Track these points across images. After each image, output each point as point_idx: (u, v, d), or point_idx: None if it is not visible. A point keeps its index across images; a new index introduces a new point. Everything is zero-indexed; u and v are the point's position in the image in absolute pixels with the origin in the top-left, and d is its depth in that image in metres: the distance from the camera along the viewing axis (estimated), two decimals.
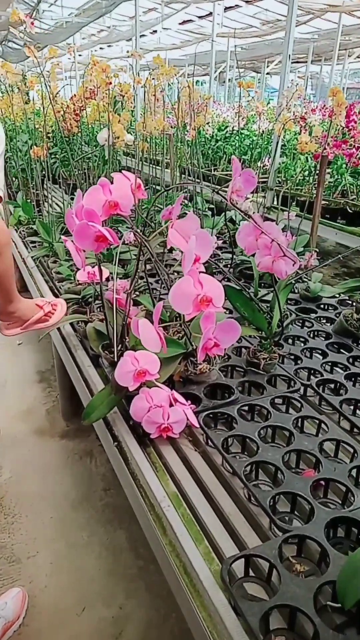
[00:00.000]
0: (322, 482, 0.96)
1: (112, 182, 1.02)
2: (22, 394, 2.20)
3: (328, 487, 0.96)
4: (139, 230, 1.33)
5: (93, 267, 1.33)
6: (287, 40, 3.35)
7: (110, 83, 1.69)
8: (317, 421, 1.12)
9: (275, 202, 3.63)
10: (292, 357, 1.41)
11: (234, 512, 0.91)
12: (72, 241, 0.95)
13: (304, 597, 0.71)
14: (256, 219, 0.96)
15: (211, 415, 1.14)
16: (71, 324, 1.59)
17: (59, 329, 1.62)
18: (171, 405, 1.06)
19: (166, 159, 3.20)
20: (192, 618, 0.76)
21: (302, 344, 1.49)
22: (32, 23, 1.62)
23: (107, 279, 1.51)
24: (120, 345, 1.27)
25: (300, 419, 1.13)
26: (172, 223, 0.94)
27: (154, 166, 3.12)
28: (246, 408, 1.17)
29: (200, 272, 0.88)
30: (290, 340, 1.52)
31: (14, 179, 3.44)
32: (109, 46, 13.96)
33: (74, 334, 1.56)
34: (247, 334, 1.37)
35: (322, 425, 1.11)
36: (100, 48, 14.42)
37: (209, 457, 1.04)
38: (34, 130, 3.14)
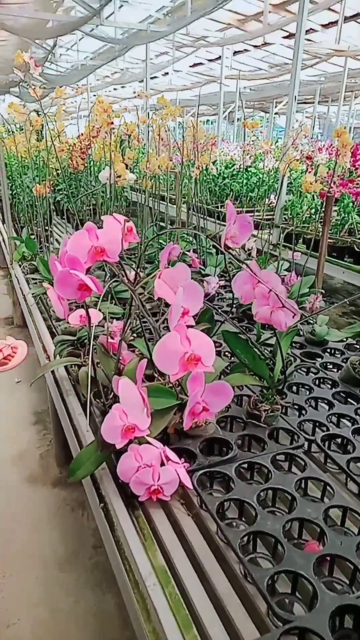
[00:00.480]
0: (327, 558, 0.86)
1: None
2: (16, 436, 2.11)
3: (334, 563, 0.86)
4: (137, 270, 1.28)
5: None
6: (292, 83, 3.40)
7: (112, 123, 1.68)
8: (322, 483, 1.02)
9: (281, 240, 3.61)
10: (296, 407, 1.32)
11: (227, 592, 0.81)
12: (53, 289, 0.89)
13: None
14: (252, 267, 0.90)
15: (207, 474, 1.05)
16: (65, 367, 1.53)
17: (52, 371, 1.55)
18: (162, 464, 0.97)
19: (172, 195, 3.20)
20: None
21: (307, 393, 1.41)
22: (37, 65, 1.62)
23: (104, 320, 1.45)
24: (112, 393, 1.20)
25: (303, 481, 1.04)
26: (159, 272, 0.88)
27: (160, 202, 3.13)
28: (245, 466, 1.08)
29: (188, 326, 0.81)
30: (294, 388, 1.44)
31: (20, 215, 3.46)
32: (122, 87, 14.47)
33: (67, 378, 1.49)
34: (247, 383, 1.29)
35: (328, 488, 1.01)
36: (114, 89, 14.95)
37: (202, 523, 0.95)
38: (42, 167, 3.18)
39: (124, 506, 0.97)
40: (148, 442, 1.00)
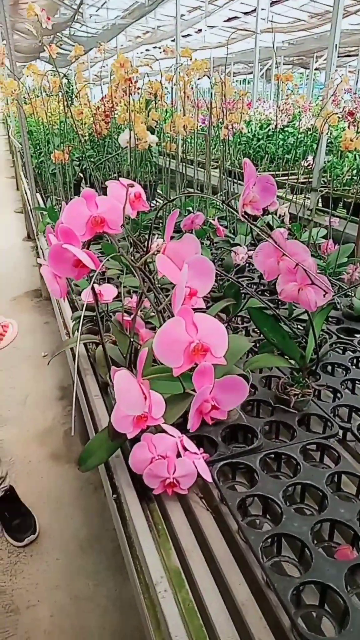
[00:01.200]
0: None
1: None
2: (42, 413, 2.09)
3: None
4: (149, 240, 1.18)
5: (100, 285, 1.19)
6: (333, 31, 3.11)
7: (130, 80, 1.55)
8: (358, 479, 0.92)
9: (320, 204, 3.39)
10: (331, 390, 1.21)
11: (247, 601, 0.73)
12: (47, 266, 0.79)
13: None
14: (277, 237, 0.78)
15: (229, 465, 0.97)
16: (84, 344, 1.46)
17: (71, 349, 1.49)
18: (179, 455, 0.89)
19: (203, 159, 3.03)
20: None
21: (343, 374, 1.29)
22: (48, 18, 1.50)
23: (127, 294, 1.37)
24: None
25: (336, 475, 0.94)
26: (164, 246, 0.77)
27: (190, 167, 2.97)
28: (272, 456, 0.99)
29: (197, 310, 0.70)
30: (329, 369, 1.32)
31: (48, 183, 3.38)
32: (154, 47, 13.94)
33: (86, 356, 1.42)
34: (276, 364, 1.18)
35: None
36: (147, 50, 14.44)
37: (222, 520, 0.87)
38: (68, 133, 3.06)
39: (137, 499, 0.90)
40: (163, 430, 0.92)
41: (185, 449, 0.90)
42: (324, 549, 0.81)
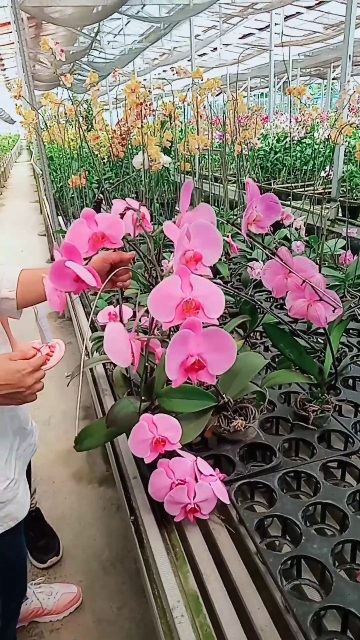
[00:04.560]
0: None
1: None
2: (65, 433, 2.11)
3: None
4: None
5: (115, 306, 1.20)
6: (346, 42, 3.11)
7: (142, 104, 1.58)
8: None
9: (340, 214, 3.35)
10: (352, 405, 1.18)
11: (267, 626, 0.72)
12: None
13: None
14: (282, 255, 0.78)
15: (247, 484, 0.95)
16: (103, 364, 1.47)
17: (91, 369, 1.50)
18: (197, 479, 0.88)
19: (220, 174, 3.05)
20: None
21: None
22: (62, 51, 1.55)
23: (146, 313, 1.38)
24: (147, 395, 1.12)
25: (358, 494, 0.91)
26: (179, 218, 0.77)
27: (205, 181, 2.99)
28: (291, 474, 0.97)
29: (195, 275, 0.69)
30: (350, 382, 1.29)
31: (69, 207, 3.46)
32: (171, 68, 14.22)
33: (104, 377, 1.44)
34: (294, 380, 1.16)
35: None
36: (164, 71, 14.73)
37: (241, 541, 0.85)
38: (87, 157, 3.14)
39: (154, 521, 0.90)
40: (178, 455, 0.91)
41: (200, 473, 0.90)
42: (345, 572, 0.79)
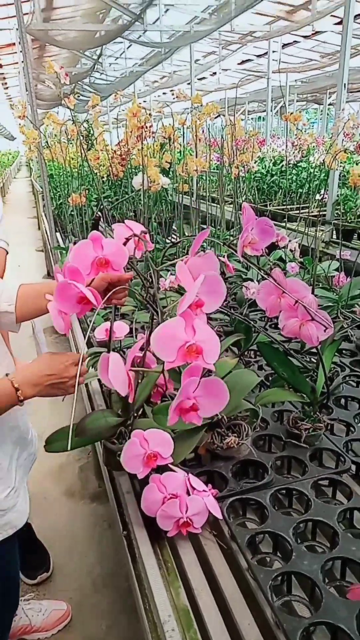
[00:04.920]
0: None
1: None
2: None
3: None
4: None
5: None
6: (341, 71, 3.21)
7: (143, 127, 1.63)
8: None
9: (334, 236, 3.42)
10: (344, 424, 1.20)
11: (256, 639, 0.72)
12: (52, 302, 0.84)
13: None
14: (276, 276, 0.81)
15: (240, 500, 0.96)
16: (99, 380, 1.48)
17: (86, 385, 1.52)
18: (189, 493, 0.89)
19: (217, 195, 3.11)
20: None
21: (357, 407, 1.28)
22: (67, 75, 1.60)
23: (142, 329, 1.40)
24: (140, 410, 1.14)
25: (349, 512, 0.93)
26: (186, 259, 0.81)
27: (203, 202, 3.04)
28: (283, 492, 0.99)
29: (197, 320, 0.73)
30: (342, 402, 1.31)
31: (67, 223, 3.51)
32: (170, 91, 14.53)
33: (100, 392, 1.45)
34: (287, 399, 1.18)
35: None
36: (163, 93, 15.04)
37: (233, 557, 0.86)
38: (87, 176, 3.20)
39: (147, 536, 0.90)
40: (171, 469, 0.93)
41: (193, 488, 0.91)
42: (335, 589, 0.80)
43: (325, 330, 0.82)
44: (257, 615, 0.76)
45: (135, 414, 1.11)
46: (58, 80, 1.80)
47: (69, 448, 0.91)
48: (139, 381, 1.12)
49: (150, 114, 2.07)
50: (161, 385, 1.17)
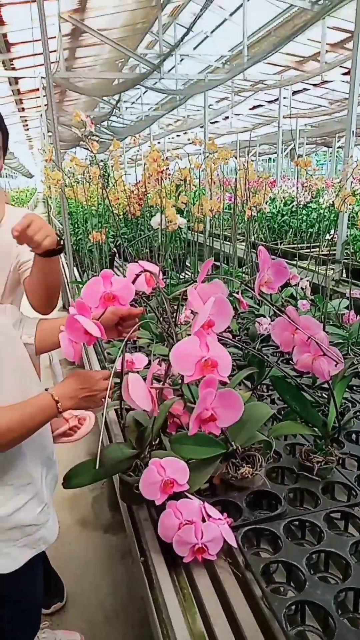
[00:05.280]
0: None
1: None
2: None
3: None
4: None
5: (132, 353, 1.28)
6: (349, 118, 3.37)
7: (162, 171, 1.74)
8: None
9: (344, 275, 3.48)
10: (355, 458, 1.23)
11: None
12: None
13: None
14: (290, 313, 0.87)
15: (254, 530, 0.99)
16: (115, 410, 1.53)
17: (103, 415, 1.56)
18: (204, 520, 0.93)
19: (229, 234, 3.22)
20: None
21: None
22: (92, 122, 1.73)
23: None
24: (157, 439, 1.18)
25: None
26: (196, 286, 0.88)
27: (217, 240, 3.15)
28: (296, 523, 1.01)
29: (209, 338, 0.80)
30: (353, 437, 1.34)
31: (85, 258, 3.63)
32: (184, 133, 15.11)
33: (117, 422, 1.49)
34: (299, 432, 1.22)
35: None
36: (177, 135, 15.64)
37: (247, 586, 0.88)
38: (104, 214, 3.34)
39: (164, 563, 0.93)
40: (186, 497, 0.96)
41: (209, 516, 0.94)
42: (348, 620, 0.82)
43: (336, 365, 0.87)
44: None
45: (151, 445, 1.16)
46: (82, 124, 1.93)
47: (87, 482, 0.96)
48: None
49: (167, 158, 2.19)
50: (177, 416, 1.22)
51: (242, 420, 1.17)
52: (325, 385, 1.55)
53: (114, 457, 1.10)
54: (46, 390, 0.95)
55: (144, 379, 0.98)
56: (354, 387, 1.62)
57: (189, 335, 0.90)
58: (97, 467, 1.02)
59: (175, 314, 1.23)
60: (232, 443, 1.08)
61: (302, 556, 0.89)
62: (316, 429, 1.18)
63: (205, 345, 0.86)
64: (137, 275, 1.03)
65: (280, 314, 0.88)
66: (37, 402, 0.90)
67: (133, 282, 0.99)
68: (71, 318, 0.90)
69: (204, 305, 0.85)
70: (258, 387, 1.57)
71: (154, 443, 1.16)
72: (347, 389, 1.52)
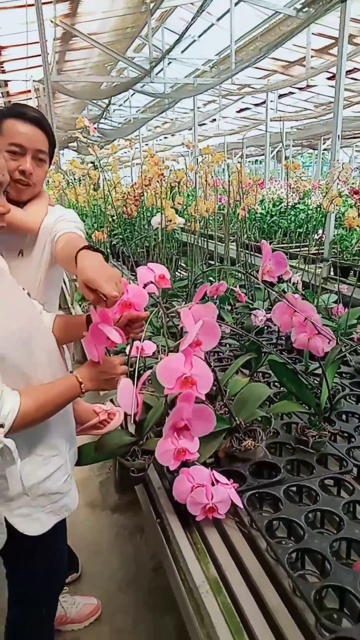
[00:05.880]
0: None
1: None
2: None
3: None
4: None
5: (142, 341, 1.39)
6: (335, 121, 3.51)
7: (163, 174, 1.85)
8: None
9: (332, 273, 3.63)
10: (345, 434, 1.35)
11: (277, 605, 0.86)
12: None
13: None
14: (289, 299, 0.99)
15: (257, 495, 1.11)
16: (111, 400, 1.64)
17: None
18: (213, 484, 1.04)
19: (222, 234, 3.34)
20: None
21: (357, 421, 1.43)
22: (95, 128, 1.84)
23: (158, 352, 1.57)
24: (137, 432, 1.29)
25: (351, 504, 1.07)
26: (190, 306, 1.00)
27: (210, 241, 3.26)
28: (293, 489, 1.13)
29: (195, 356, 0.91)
30: (343, 417, 1.46)
31: None
32: (172, 135, 15.24)
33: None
34: (294, 410, 1.34)
35: None
36: (165, 137, 15.75)
37: (253, 541, 1.00)
38: (100, 215, 3.44)
39: (179, 522, 1.05)
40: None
41: (217, 481, 1.06)
42: (342, 564, 0.94)
43: (329, 343, 0.99)
44: (277, 586, 0.89)
45: (149, 436, 1.27)
46: (72, 125, 2.03)
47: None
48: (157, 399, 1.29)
49: (164, 161, 2.31)
50: None
51: (244, 398, 1.30)
52: (317, 372, 1.68)
53: (111, 443, 1.22)
54: (71, 372, 1.06)
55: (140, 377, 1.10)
56: (343, 374, 1.75)
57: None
58: (95, 452, 1.15)
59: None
60: (236, 418, 1.20)
61: (301, 514, 1.01)
62: (311, 408, 1.31)
63: (190, 364, 0.98)
64: (146, 285, 1.15)
65: (282, 298, 1.00)
66: (64, 382, 1.01)
67: (144, 287, 1.11)
68: (95, 327, 1.00)
69: (193, 326, 0.96)
70: (254, 375, 1.69)
71: (156, 428, 1.26)
72: (336, 375, 1.65)
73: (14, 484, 0.92)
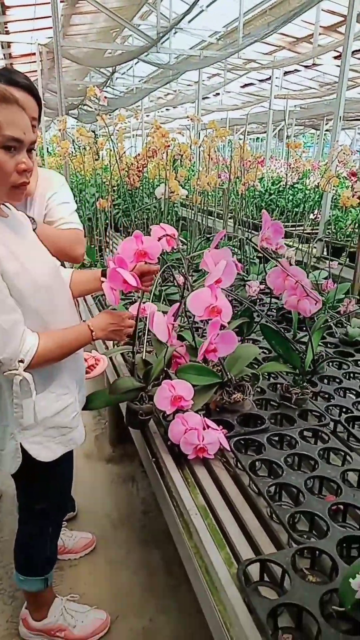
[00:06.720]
0: (341, 507, 1.03)
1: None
2: None
3: (347, 512, 1.03)
4: (186, 275, 1.50)
5: (144, 303, 1.50)
6: (338, 102, 3.56)
7: (169, 146, 1.93)
8: (343, 453, 1.19)
9: (325, 253, 3.74)
10: (326, 395, 1.49)
11: (255, 527, 0.99)
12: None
13: (311, 599, 0.78)
14: (283, 264, 1.10)
15: (242, 442, 1.24)
16: (122, 354, 1.76)
17: (111, 358, 1.79)
18: (204, 428, 1.17)
19: (220, 210, 3.42)
20: (210, 612, 0.84)
21: (337, 384, 1.56)
22: (105, 97, 1.90)
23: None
24: (164, 374, 1.41)
25: (326, 450, 1.20)
26: (209, 250, 1.11)
27: (209, 217, 3.35)
28: (276, 437, 1.26)
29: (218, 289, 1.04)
30: (325, 380, 1.59)
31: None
32: (174, 107, 15.02)
33: (124, 364, 1.72)
34: (281, 369, 1.47)
35: (348, 457, 1.17)
36: (167, 109, 15.53)
37: (238, 478, 1.13)
38: (102, 184, 3.49)
39: (172, 460, 1.18)
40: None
41: (208, 426, 1.18)
42: (314, 496, 1.07)
43: (315, 304, 1.11)
44: (256, 513, 1.03)
45: (157, 380, 1.39)
46: (74, 92, 2.09)
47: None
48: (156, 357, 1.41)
49: (175, 138, 2.37)
50: (179, 358, 1.45)
51: (236, 355, 1.42)
52: (303, 340, 1.81)
53: (123, 386, 1.34)
54: (84, 321, 1.17)
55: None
56: (329, 344, 1.88)
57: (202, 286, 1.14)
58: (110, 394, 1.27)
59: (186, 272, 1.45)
60: (228, 373, 1.32)
61: (281, 456, 1.15)
62: (296, 369, 1.43)
63: (215, 296, 1.10)
64: (160, 238, 1.25)
65: (277, 262, 1.11)
66: (77, 329, 1.12)
67: (158, 240, 1.21)
68: (113, 270, 1.11)
69: (217, 266, 1.08)
70: (246, 339, 1.81)
71: (161, 376, 1.39)
72: (322, 344, 1.78)
73: (28, 415, 1.04)
